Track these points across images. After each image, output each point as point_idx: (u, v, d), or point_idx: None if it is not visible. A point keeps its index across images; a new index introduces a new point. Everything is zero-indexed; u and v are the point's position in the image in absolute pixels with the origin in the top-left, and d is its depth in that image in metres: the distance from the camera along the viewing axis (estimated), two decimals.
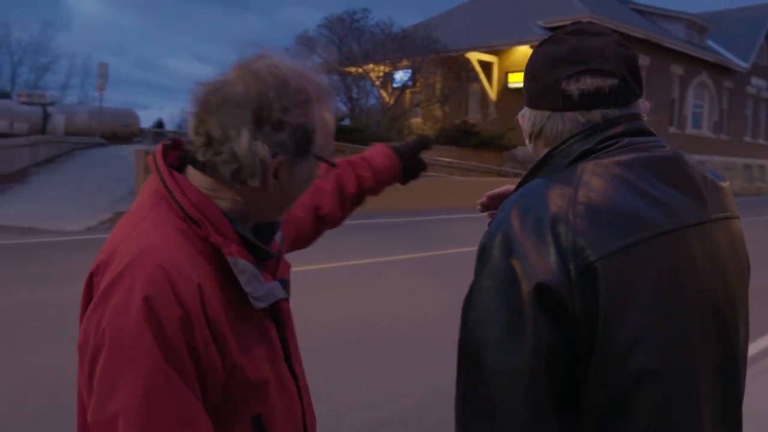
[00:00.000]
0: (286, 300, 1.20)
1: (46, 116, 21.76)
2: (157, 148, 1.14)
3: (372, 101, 25.21)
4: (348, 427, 3.92)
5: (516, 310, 0.92)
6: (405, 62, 23.63)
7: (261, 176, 1.07)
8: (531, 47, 23.80)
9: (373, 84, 24.71)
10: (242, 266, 1.06)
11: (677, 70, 29.33)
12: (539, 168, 1.09)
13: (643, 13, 30.64)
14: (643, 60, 27.19)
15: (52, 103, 24.13)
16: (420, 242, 10.45)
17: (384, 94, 24.89)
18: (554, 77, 1.08)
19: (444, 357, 4.93)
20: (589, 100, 1.06)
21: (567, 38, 1.12)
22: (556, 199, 0.96)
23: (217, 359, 1.01)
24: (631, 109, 1.09)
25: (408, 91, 25.51)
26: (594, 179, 0.98)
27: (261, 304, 1.08)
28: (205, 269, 1.04)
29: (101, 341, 0.97)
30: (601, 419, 0.94)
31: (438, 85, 25.30)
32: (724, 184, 1.11)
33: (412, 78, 24.61)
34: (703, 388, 0.97)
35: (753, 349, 5.31)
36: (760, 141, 36.08)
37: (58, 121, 22.05)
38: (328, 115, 1.15)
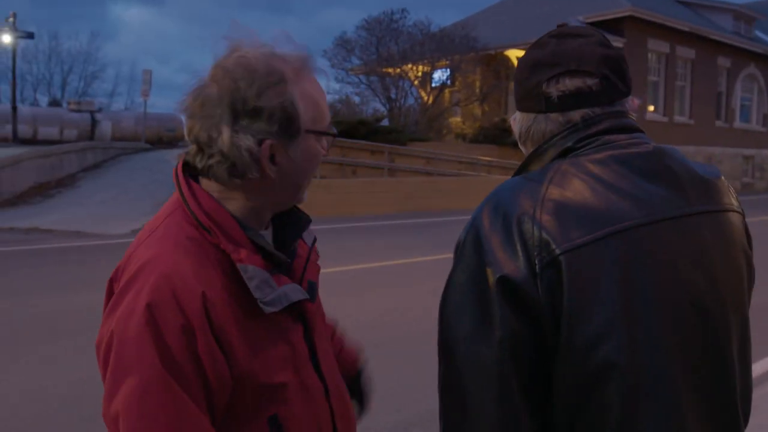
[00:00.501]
0: (310, 301, 1.20)
1: (94, 123, 22.39)
2: (180, 157, 1.17)
3: (410, 101, 25.21)
4: (377, 428, 3.92)
5: (484, 304, 0.95)
6: (443, 61, 23.55)
7: (257, 167, 1.08)
8: None
9: (411, 84, 24.69)
10: (251, 272, 1.07)
11: (724, 62, 28.53)
12: (523, 169, 1.12)
13: (688, 4, 29.87)
14: (688, 53, 26.52)
15: (99, 110, 24.81)
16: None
17: (423, 94, 24.85)
18: (536, 80, 1.10)
19: None
20: (570, 101, 1.08)
21: (549, 41, 1.13)
22: (526, 196, 1.00)
23: (224, 366, 1.03)
24: (616, 107, 1.09)
25: (447, 91, 25.42)
26: (565, 177, 1.00)
27: (271, 309, 1.08)
28: (213, 276, 1.05)
29: (110, 343, 1.02)
30: (572, 412, 0.95)
31: (477, 84, 25.16)
32: (716, 179, 1.10)
33: (451, 77, 24.53)
34: (684, 384, 0.95)
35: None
36: None
37: (105, 128, 22.66)
38: (311, 86, 1.13)
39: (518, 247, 0.95)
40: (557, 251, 0.94)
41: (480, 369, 0.95)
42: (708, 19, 29.14)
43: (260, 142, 1.07)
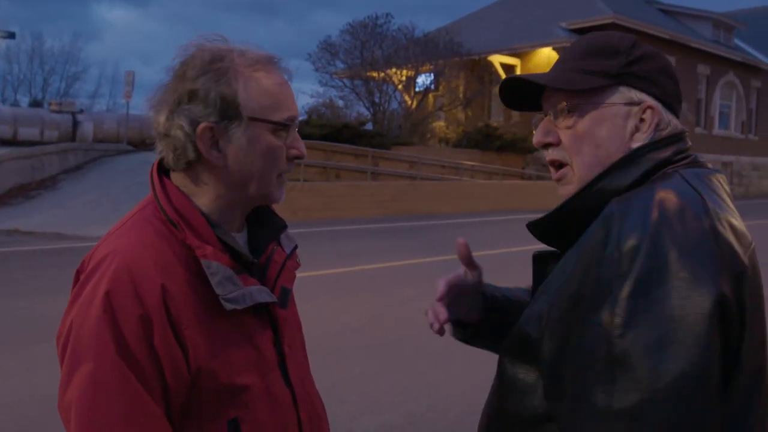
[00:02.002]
0: (277, 305, 1.19)
1: (75, 124, 22.14)
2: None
3: (394, 105, 25.25)
4: (362, 430, 3.95)
5: (705, 325, 0.86)
6: (427, 66, 23.62)
7: (194, 150, 1.10)
8: (553, 49, 23.69)
9: (395, 88, 24.75)
10: (215, 268, 1.08)
11: (704, 70, 28.91)
12: (629, 167, 1.03)
13: (668, 13, 30.26)
14: (669, 60, 26.88)
15: (81, 111, 24.54)
16: (440, 246, 10.42)
17: (407, 98, 24.91)
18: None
19: (455, 360, 4.93)
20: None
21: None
22: (702, 212, 0.92)
23: (181, 360, 1.04)
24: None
25: (431, 95, 25.49)
26: (706, 192, 0.96)
27: (232, 306, 1.08)
28: (176, 271, 1.07)
29: (69, 333, 1.04)
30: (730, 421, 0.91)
31: (461, 89, 25.27)
32: None
33: (435, 82, 24.61)
34: None
35: None
36: None
37: (87, 129, 22.41)
38: (267, 78, 1.13)
39: (718, 264, 0.89)
40: (742, 267, 0.91)
41: (700, 390, 0.85)
42: (688, 27, 29.54)
43: (196, 125, 1.09)
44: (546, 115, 1.09)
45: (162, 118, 1.12)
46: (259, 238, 1.24)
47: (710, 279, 0.86)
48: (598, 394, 0.87)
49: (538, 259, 1.15)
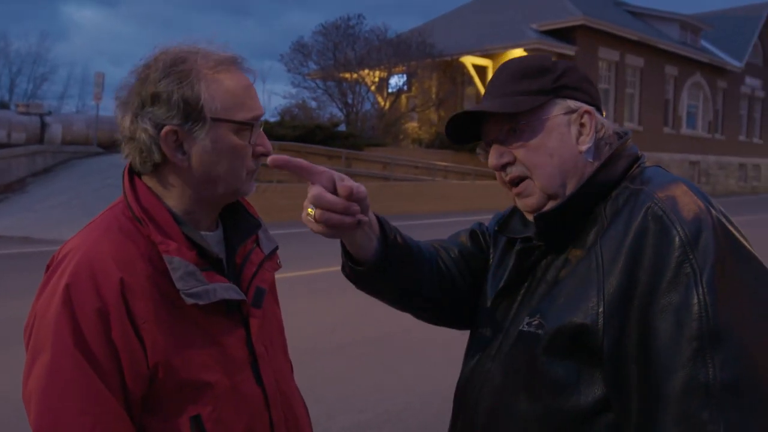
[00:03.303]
0: (255, 306, 1.20)
1: (43, 126, 21.76)
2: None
3: (367, 106, 25.27)
4: (338, 428, 3.95)
5: None
6: (400, 67, 23.70)
7: (159, 152, 1.11)
8: (525, 50, 23.89)
9: (368, 89, 24.77)
10: (177, 263, 1.09)
11: (671, 71, 29.44)
12: (616, 162, 1.15)
13: (636, 14, 30.75)
14: (637, 61, 27.29)
15: (49, 113, 24.13)
16: None
17: (379, 99, 24.95)
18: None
19: (431, 359, 4.97)
20: None
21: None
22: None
23: (140, 354, 1.06)
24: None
25: (403, 96, 25.57)
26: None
27: (193, 300, 1.08)
28: (138, 266, 1.08)
29: (32, 324, 1.06)
30: None
31: (433, 90, 25.37)
32: None
33: (408, 83, 24.70)
34: None
35: None
36: (755, 140, 36.19)
37: (55, 131, 22.05)
38: (230, 79, 1.14)
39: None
40: None
41: None
42: (656, 28, 30.04)
43: (160, 128, 1.10)
44: (490, 142, 1.17)
45: (127, 122, 1.12)
46: (236, 238, 1.25)
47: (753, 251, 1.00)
48: (693, 371, 0.91)
49: (522, 253, 1.17)
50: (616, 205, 1.07)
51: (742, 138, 35.10)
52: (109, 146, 23.13)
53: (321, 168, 1.01)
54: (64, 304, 1.03)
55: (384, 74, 23.98)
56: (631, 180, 1.10)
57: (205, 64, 1.13)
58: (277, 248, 1.32)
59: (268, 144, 1.19)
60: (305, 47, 24.53)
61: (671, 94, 29.83)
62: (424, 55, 23.55)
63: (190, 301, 1.08)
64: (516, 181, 1.15)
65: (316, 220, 1.00)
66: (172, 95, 1.10)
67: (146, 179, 1.17)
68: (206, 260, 1.14)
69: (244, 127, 1.14)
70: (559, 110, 1.13)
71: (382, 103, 24.76)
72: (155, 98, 1.10)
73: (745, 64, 33.56)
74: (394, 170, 19.76)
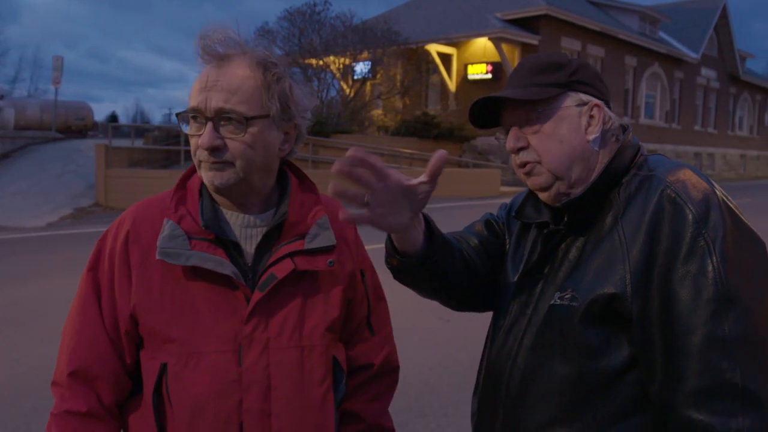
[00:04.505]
0: (245, 285, 1.25)
1: None
2: None
3: (333, 93, 25.23)
4: None
5: None
6: (365, 54, 23.64)
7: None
8: (489, 39, 24.10)
9: (333, 76, 24.71)
10: (167, 226, 1.27)
11: (631, 61, 30.01)
12: (624, 152, 1.30)
13: (598, 5, 31.22)
14: (598, 51, 27.74)
15: (1, 97, 23.50)
16: (381, 234, 10.57)
17: (345, 86, 24.92)
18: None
19: (409, 344, 5.09)
20: None
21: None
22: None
23: (127, 293, 1.28)
24: None
25: (368, 83, 25.56)
26: None
27: (161, 257, 1.23)
28: (152, 226, 1.30)
29: None
30: None
31: (398, 77, 25.41)
32: None
33: (373, 70, 24.67)
34: None
35: None
36: (710, 130, 37.20)
37: (8, 115, 21.49)
38: (200, 71, 1.26)
39: None
40: None
41: None
42: (616, 19, 30.56)
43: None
44: (509, 127, 1.31)
45: None
46: (282, 227, 1.32)
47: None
48: (712, 328, 1.07)
49: (547, 236, 1.30)
50: (629, 190, 1.21)
51: (697, 128, 36.05)
52: (65, 131, 22.61)
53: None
54: (97, 242, 1.36)
55: (349, 61, 23.95)
56: (639, 167, 1.25)
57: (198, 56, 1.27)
58: (328, 248, 1.33)
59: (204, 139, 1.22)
60: (270, 33, 24.31)
61: (631, 84, 30.42)
62: (390, 42, 23.54)
63: (158, 257, 1.23)
64: (524, 163, 1.29)
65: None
66: None
67: None
68: (210, 233, 1.27)
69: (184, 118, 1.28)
70: (571, 102, 1.26)
71: (347, 90, 24.74)
72: None
73: (701, 55, 34.44)
74: None
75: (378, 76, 25.07)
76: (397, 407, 4.06)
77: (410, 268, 1.28)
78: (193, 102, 1.22)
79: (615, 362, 1.16)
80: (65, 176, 16.01)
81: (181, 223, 1.25)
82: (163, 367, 1.24)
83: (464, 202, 16.97)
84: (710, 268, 1.09)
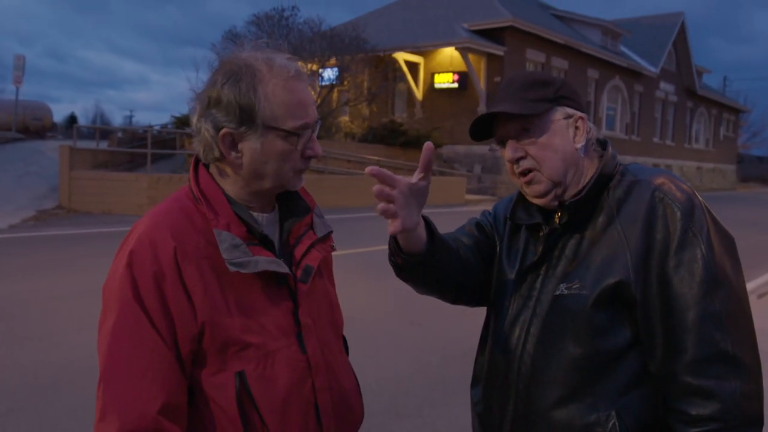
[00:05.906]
0: (302, 282, 1.33)
1: None
2: None
3: None
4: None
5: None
6: (333, 61, 23.70)
7: (218, 150, 1.28)
8: (456, 49, 24.40)
9: None
10: (224, 237, 1.25)
11: (593, 74, 30.68)
12: (610, 160, 1.46)
13: (562, 19, 31.84)
14: (562, 64, 28.28)
15: None
16: (349, 239, 10.66)
17: (312, 92, 24.89)
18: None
19: (383, 346, 5.16)
20: None
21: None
22: None
23: (189, 313, 1.22)
24: None
25: (336, 90, 25.63)
26: None
27: (235, 269, 1.23)
28: (193, 238, 1.25)
29: (106, 283, 1.26)
30: None
31: (365, 84, 25.50)
32: None
33: (340, 77, 24.75)
34: None
35: None
36: (668, 142, 38.23)
37: None
38: (285, 90, 1.26)
39: None
40: None
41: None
42: (580, 33, 31.22)
43: (218, 129, 1.26)
44: (501, 138, 1.44)
45: (194, 118, 1.29)
46: (289, 220, 1.40)
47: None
48: (705, 305, 1.26)
49: (547, 236, 1.44)
50: (617, 193, 1.38)
51: (656, 140, 37.03)
52: (23, 131, 22.06)
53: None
54: (127, 267, 1.20)
55: (317, 67, 23.99)
56: (622, 174, 1.42)
57: (266, 74, 1.26)
58: (331, 232, 1.47)
59: (318, 148, 1.34)
60: (238, 37, 24.22)
61: (593, 96, 31.10)
62: (358, 49, 23.64)
63: (233, 269, 1.22)
64: (525, 172, 1.41)
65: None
66: (231, 101, 1.24)
67: (211, 168, 1.34)
68: (254, 237, 1.30)
69: (292, 134, 1.28)
70: (560, 115, 1.41)
71: (315, 97, 24.68)
72: (217, 101, 1.25)
73: (660, 69, 35.40)
74: (327, 163, 19.81)
75: (345, 82, 25.13)
76: (374, 410, 4.07)
77: (413, 266, 1.40)
78: (307, 119, 1.30)
79: (620, 341, 1.32)
80: (26, 178, 15.72)
81: (234, 231, 1.26)
82: (241, 375, 1.24)
83: (430, 210, 17.05)
84: (700, 255, 1.28)
